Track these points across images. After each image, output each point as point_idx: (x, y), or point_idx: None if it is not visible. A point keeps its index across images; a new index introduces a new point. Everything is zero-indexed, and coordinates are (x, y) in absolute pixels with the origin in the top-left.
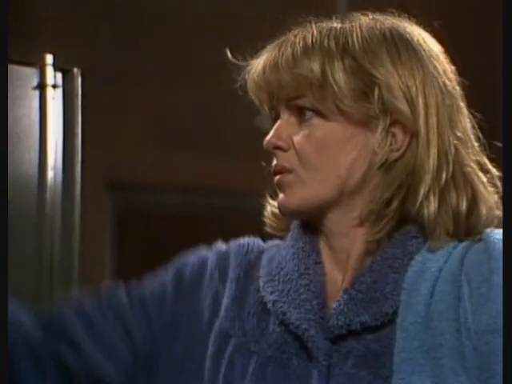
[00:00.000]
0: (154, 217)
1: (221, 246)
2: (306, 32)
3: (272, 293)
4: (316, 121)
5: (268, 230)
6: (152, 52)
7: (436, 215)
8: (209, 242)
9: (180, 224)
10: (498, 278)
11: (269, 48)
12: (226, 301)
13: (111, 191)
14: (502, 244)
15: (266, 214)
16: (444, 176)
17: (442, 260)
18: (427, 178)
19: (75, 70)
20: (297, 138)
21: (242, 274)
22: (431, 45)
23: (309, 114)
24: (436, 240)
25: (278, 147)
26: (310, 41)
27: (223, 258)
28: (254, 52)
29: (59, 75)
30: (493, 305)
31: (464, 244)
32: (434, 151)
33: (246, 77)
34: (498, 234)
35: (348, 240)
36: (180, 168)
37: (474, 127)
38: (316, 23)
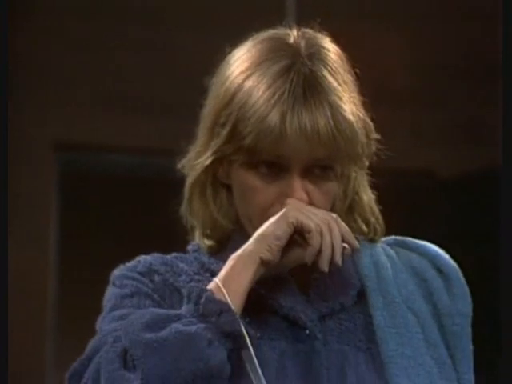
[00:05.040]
0: (101, 178)
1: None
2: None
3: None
4: (333, 178)
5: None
6: (106, 19)
7: (377, 220)
8: (158, 203)
9: (129, 186)
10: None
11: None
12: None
13: (58, 152)
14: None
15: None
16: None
17: (381, 253)
18: (368, 194)
19: None
20: (315, 195)
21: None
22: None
23: (329, 173)
24: (377, 239)
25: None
26: (330, 85)
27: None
28: None
29: None
30: (467, 297)
31: (377, 244)
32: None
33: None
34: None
35: None
36: (130, 129)
37: None
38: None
